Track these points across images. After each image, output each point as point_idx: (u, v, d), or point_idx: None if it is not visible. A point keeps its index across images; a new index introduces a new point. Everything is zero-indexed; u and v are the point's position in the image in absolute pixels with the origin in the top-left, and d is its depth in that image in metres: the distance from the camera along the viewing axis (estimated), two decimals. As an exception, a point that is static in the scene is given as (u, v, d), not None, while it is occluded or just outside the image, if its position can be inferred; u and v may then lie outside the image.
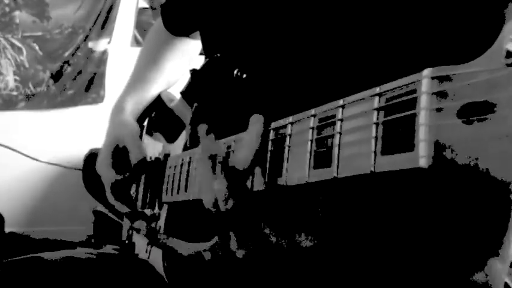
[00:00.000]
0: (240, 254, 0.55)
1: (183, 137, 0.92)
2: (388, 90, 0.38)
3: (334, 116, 0.44)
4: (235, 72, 0.71)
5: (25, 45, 3.04)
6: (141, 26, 3.24)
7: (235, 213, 0.53)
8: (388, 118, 0.37)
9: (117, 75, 3.03)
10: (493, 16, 0.50)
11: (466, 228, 0.53)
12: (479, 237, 0.54)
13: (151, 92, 1.10)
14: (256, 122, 0.55)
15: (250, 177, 0.54)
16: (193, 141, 0.85)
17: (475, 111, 0.32)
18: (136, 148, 0.97)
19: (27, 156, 3.04)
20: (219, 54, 0.78)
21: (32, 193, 3.12)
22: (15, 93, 3.03)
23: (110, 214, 2.34)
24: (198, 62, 0.90)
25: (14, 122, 3.05)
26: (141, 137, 1.04)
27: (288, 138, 0.50)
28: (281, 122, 0.52)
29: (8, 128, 3.02)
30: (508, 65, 0.31)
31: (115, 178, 0.99)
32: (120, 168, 1.00)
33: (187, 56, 1.16)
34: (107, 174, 1.00)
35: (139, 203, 1.03)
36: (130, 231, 1.08)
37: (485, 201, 0.50)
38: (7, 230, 2.80)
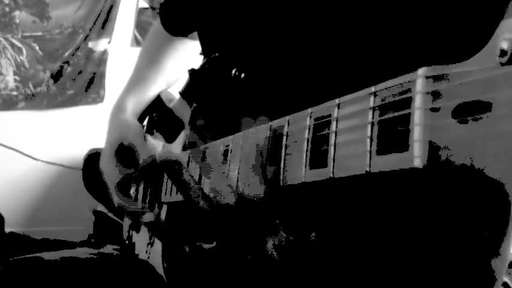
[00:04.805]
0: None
1: (182, 137, 0.92)
2: (383, 90, 0.38)
3: (330, 116, 0.44)
4: (233, 71, 0.71)
5: (25, 45, 3.04)
6: (141, 26, 3.24)
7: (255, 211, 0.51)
8: (383, 117, 0.37)
9: (117, 75, 3.03)
10: (491, 14, 0.50)
11: (461, 228, 0.53)
12: (477, 236, 0.54)
13: (151, 92, 1.10)
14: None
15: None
16: (192, 142, 0.85)
17: (470, 111, 0.32)
18: (142, 145, 0.97)
19: (28, 155, 3.04)
20: (217, 54, 0.78)
21: (32, 193, 3.12)
22: (15, 93, 3.04)
23: (110, 214, 2.34)
24: (198, 62, 0.90)
25: (14, 122, 3.05)
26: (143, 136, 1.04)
27: (285, 138, 0.50)
28: (278, 121, 0.52)
29: (8, 128, 3.03)
30: (502, 64, 0.31)
31: (122, 175, 0.99)
32: (126, 166, 1.00)
33: (186, 56, 1.16)
34: (113, 171, 1.00)
35: (139, 203, 1.03)
36: (131, 231, 1.08)
37: (481, 201, 0.50)
38: (7, 230, 2.80)
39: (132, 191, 1.06)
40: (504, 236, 0.55)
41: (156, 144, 1.01)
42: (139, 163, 0.95)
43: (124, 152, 1.01)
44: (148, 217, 0.93)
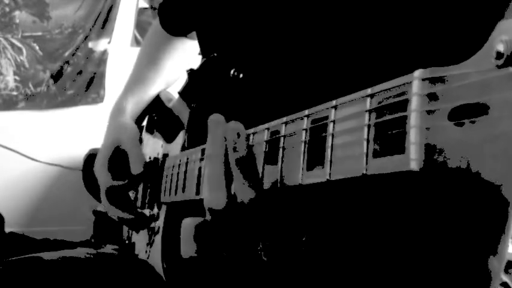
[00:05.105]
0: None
1: (181, 137, 0.92)
2: (379, 92, 0.38)
3: (327, 117, 0.43)
4: (231, 72, 0.71)
5: (25, 45, 3.04)
6: (141, 26, 3.25)
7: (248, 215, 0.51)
8: (380, 120, 0.37)
9: (117, 75, 3.03)
10: (491, 16, 0.50)
11: (459, 229, 0.53)
12: (473, 238, 0.54)
13: (150, 92, 1.10)
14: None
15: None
16: (191, 142, 0.85)
17: (467, 113, 0.32)
18: (135, 154, 0.96)
19: (27, 156, 3.04)
20: (215, 54, 0.78)
21: (32, 193, 3.12)
22: (15, 93, 3.04)
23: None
24: (197, 61, 0.90)
25: (14, 122, 3.06)
26: (140, 140, 1.04)
27: (282, 139, 0.50)
28: (275, 123, 0.52)
29: (8, 128, 3.03)
30: (499, 67, 0.30)
31: (111, 184, 0.99)
32: (118, 173, 0.99)
33: (185, 55, 1.16)
34: (104, 178, 0.99)
35: (138, 203, 1.03)
36: (130, 231, 1.08)
37: (478, 203, 0.50)
38: (7, 230, 2.80)
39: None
40: (502, 235, 0.55)
41: (156, 144, 1.01)
42: (131, 172, 0.95)
43: (118, 157, 1.00)
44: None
